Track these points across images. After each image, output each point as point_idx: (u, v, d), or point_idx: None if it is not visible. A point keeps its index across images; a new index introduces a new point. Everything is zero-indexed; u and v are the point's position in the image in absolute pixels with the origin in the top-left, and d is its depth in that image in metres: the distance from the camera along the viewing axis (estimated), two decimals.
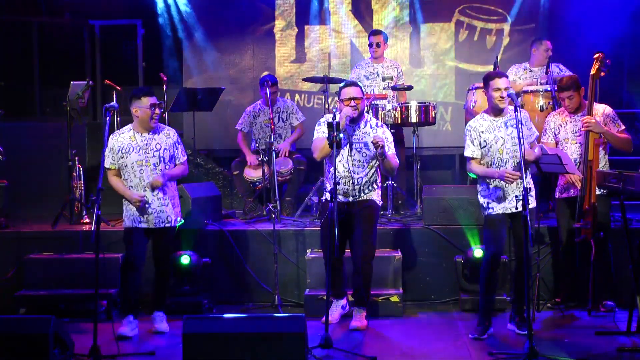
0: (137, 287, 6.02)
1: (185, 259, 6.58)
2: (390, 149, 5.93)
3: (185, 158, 6.16)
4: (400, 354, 5.39)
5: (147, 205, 5.90)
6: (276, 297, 6.59)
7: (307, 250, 6.82)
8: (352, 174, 5.88)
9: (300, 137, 8.19)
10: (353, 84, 5.98)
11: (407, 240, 6.94)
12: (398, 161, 6.03)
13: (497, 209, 5.65)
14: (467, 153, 5.70)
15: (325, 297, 5.63)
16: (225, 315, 5.26)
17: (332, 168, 5.79)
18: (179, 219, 6.12)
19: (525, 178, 5.42)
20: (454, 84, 9.06)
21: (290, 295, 6.88)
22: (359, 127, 5.95)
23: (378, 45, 8.19)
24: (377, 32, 8.31)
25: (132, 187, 5.96)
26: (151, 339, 5.85)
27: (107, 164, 5.94)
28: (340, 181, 5.85)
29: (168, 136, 6.05)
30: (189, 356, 4.71)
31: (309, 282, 6.64)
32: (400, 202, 7.87)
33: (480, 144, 5.64)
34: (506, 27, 8.29)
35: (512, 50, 8.51)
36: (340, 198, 5.78)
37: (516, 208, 5.57)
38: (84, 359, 5.18)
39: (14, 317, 5.71)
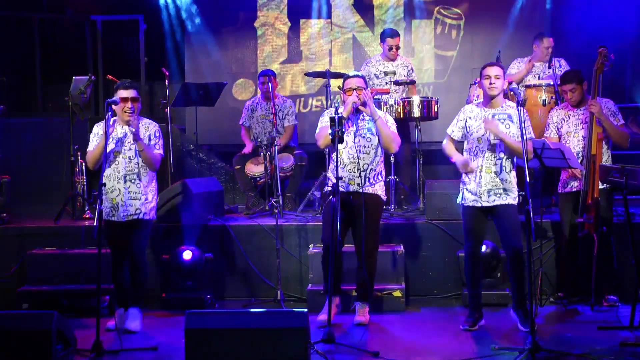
0: (122, 281, 5.98)
1: (187, 255, 6.59)
2: (392, 128, 6.03)
3: (159, 153, 5.97)
4: (403, 349, 5.39)
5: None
6: (279, 292, 6.60)
7: (310, 245, 6.82)
8: (358, 160, 5.89)
9: (288, 141, 8.09)
10: (357, 75, 6.08)
11: (409, 235, 6.94)
12: (399, 138, 6.04)
13: (469, 201, 5.76)
14: (448, 130, 5.90)
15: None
16: (228, 311, 5.26)
17: (333, 163, 5.83)
18: (152, 213, 6.00)
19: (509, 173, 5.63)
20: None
21: (293, 290, 6.88)
22: (363, 115, 5.99)
23: (398, 47, 8.04)
24: (396, 33, 8.03)
25: (105, 175, 5.85)
26: (154, 334, 5.85)
27: (90, 147, 5.89)
28: (345, 169, 5.90)
29: (147, 130, 5.97)
30: (191, 351, 4.71)
31: (312, 277, 6.63)
32: (402, 196, 7.86)
33: (464, 127, 5.79)
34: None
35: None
36: (344, 188, 5.80)
37: (488, 202, 5.65)
38: (86, 354, 5.20)
39: (16, 313, 5.68)
